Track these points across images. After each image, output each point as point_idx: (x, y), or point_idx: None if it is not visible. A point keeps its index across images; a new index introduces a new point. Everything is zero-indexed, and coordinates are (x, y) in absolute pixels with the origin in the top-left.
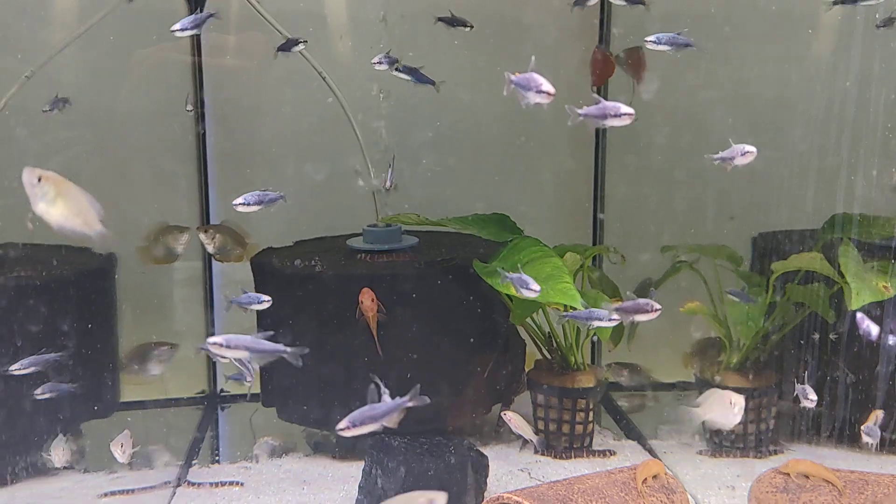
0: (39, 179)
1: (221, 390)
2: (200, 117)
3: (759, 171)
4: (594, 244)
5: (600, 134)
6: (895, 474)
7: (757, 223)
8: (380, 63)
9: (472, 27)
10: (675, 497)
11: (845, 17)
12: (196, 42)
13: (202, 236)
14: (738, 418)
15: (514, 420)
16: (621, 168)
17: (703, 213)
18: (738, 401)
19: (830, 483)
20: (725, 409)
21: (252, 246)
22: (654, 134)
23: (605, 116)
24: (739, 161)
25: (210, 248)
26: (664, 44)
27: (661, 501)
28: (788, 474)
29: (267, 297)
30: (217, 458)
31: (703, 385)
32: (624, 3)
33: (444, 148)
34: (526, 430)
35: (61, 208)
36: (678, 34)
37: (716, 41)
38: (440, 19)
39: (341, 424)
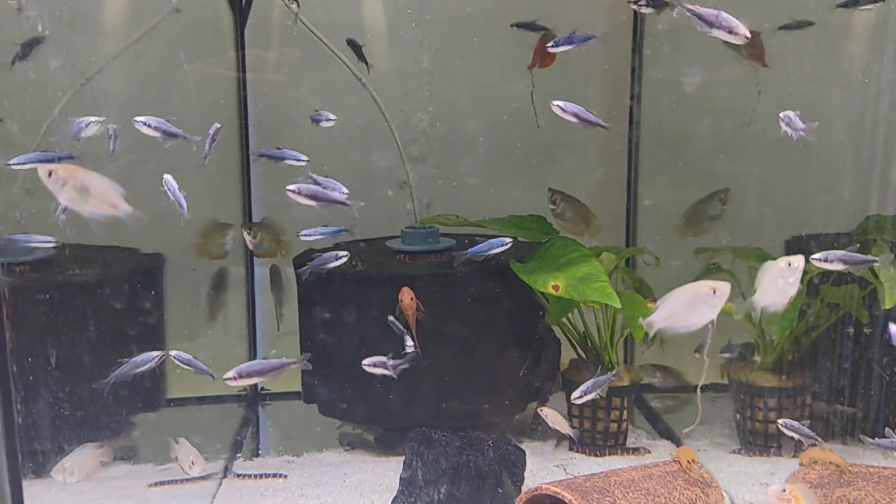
0: (50, 174)
1: (262, 389)
2: (244, 125)
3: (796, 173)
4: (627, 247)
5: (632, 137)
6: None
7: (792, 226)
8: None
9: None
10: (710, 490)
11: (880, 18)
12: (241, 56)
13: (245, 233)
14: (795, 284)
15: (551, 415)
16: (655, 171)
17: (738, 216)
18: (796, 261)
19: (838, 466)
20: (779, 275)
21: (285, 242)
22: (688, 135)
23: None
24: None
25: (250, 244)
26: (563, 44)
27: (696, 494)
28: (820, 465)
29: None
30: (259, 452)
31: (736, 386)
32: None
33: (480, 152)
34: (562, 425)
35: (83, 195)
36: (573, 33)
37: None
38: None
39: (228, 374)
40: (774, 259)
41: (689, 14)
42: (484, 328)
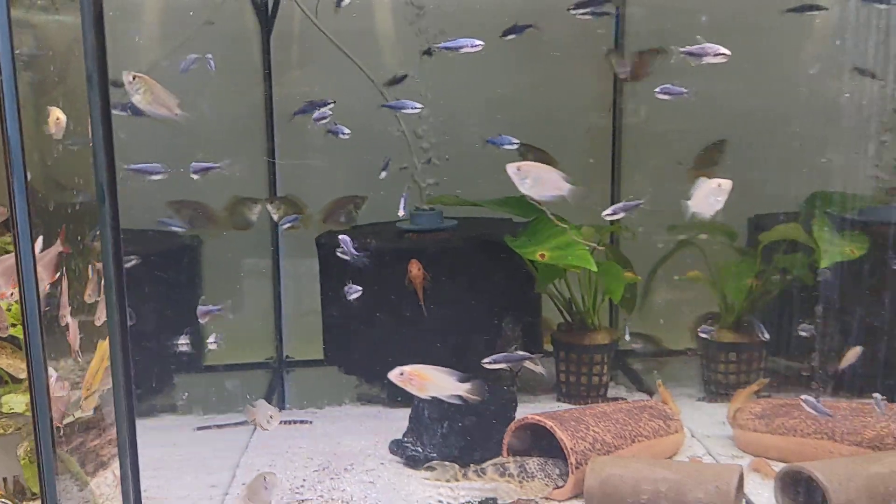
0: (133, 78)
1: (287, 356)
2: (269, 122)
3: (758, 159)
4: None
5: (616, 128)
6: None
7: (754, 207)
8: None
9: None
10: (671, 423)
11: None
12: (266, 59)
13: (269, 206)
14: (721, 202)
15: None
16: (636, 159)
17: None
18: (725, 184)
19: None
20: (711, 192)
21: (307, 216)
22: (667, 126)
23: None
24: (710, 60)
25: (275, 217)
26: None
27: (660, 425)
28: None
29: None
30: (286, 406)
31: (702, 343)
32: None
33: (477, 146)
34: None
35: (150, 98)
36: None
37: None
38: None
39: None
40: (736, 234)
41: (683, 55)
42: (480, 294)
